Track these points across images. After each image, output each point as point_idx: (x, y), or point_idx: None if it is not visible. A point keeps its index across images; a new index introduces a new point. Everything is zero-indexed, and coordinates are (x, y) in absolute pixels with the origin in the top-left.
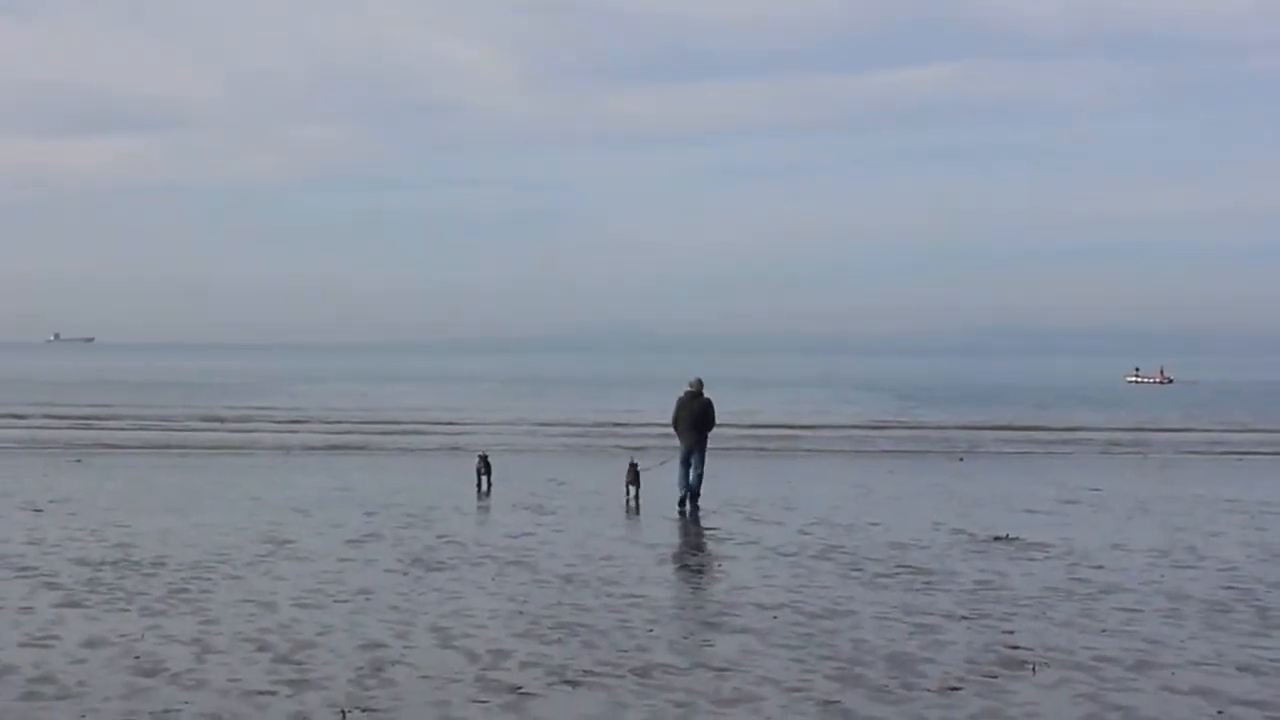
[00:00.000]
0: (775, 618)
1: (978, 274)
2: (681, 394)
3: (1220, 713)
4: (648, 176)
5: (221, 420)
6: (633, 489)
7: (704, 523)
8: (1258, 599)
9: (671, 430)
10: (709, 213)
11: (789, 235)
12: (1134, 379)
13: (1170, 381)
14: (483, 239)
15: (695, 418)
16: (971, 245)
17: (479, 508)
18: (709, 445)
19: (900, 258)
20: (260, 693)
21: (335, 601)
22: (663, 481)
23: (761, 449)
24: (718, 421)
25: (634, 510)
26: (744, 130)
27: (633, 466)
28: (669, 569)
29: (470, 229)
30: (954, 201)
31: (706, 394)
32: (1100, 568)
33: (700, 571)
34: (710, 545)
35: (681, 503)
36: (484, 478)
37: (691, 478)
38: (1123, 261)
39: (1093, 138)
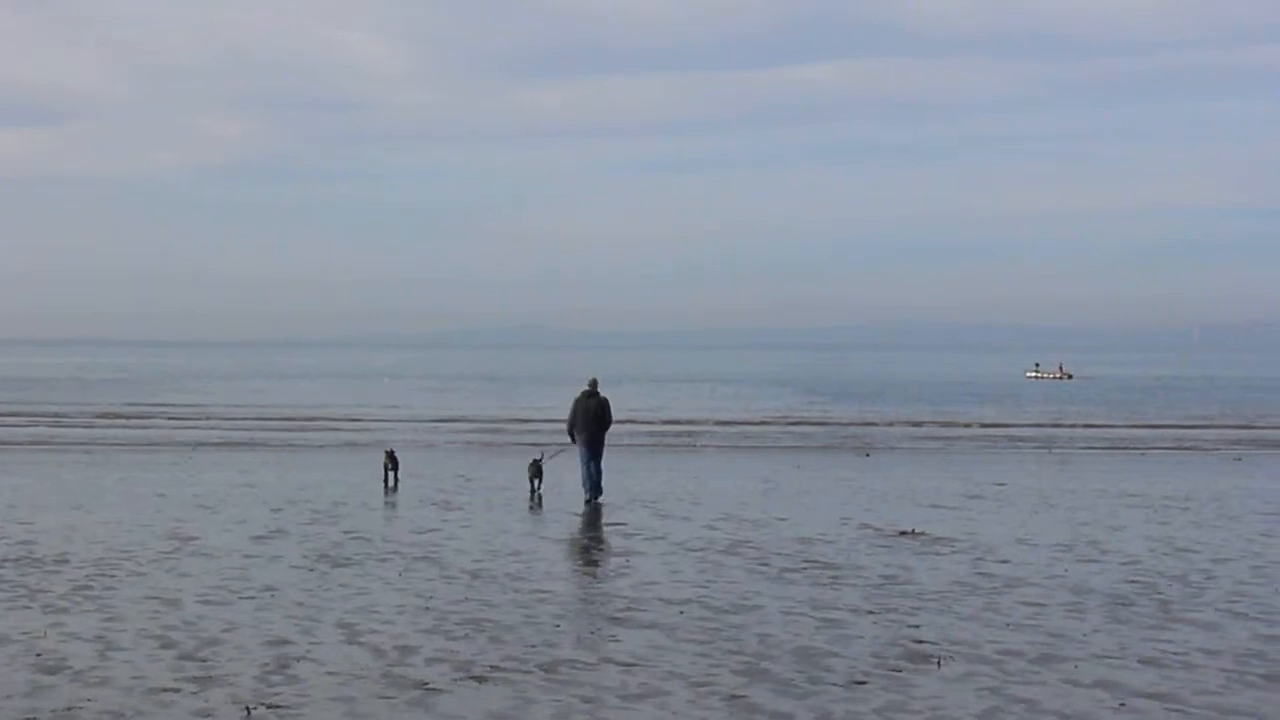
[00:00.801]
0: (682, 613)
1: (883, 269)
2: (578, 394)
3: (1122, 705)
4: (551, 170)
5: (124, 417)
6: (535, 482)
7: (611, 518)
8: (1160, 592)
9: (568, 429)
10: (613, 207)
11: (692, 230)
12: (1034, 375)
13: (1069, 377)
14: (384, 233)
15: (593, 416)
16: (875, 241)
17: (386, 504)
18: (606, 443)
19: (805, 252)
20: (164, 690)
21: (240, 598)
22: (567, 476)
23: (669, 444)
24: (614, 419)
25: (537, 504)
26: (647, 125)
27: (535, 461)
28: (576, 564)
29: (371, 222)
30: (857, 196)
31: (603, 393)
32: (1005, 562)
33: (608, 567)
34: (618, 540)
35: (588, 503)
36: (391, 474)
37: (592, 472)
38: (1023, 258)
39: (994, 135)
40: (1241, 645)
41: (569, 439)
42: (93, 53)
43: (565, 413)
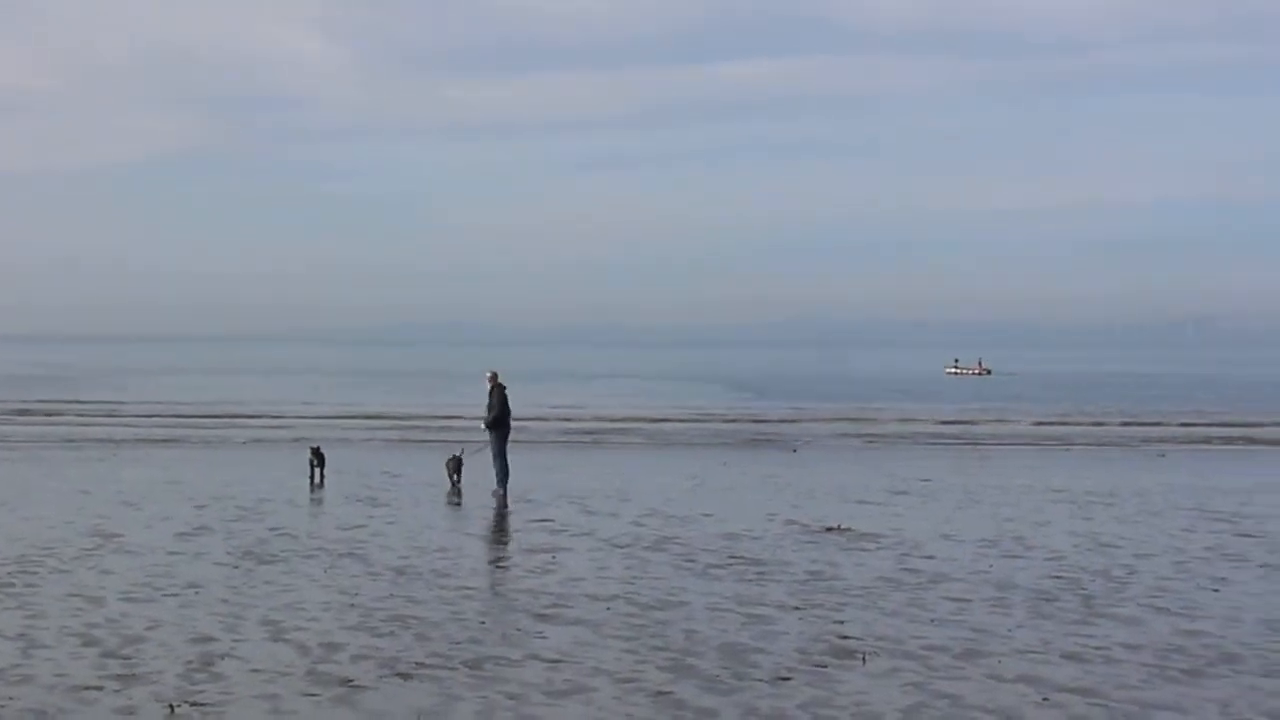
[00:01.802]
0: (608, 609)
1: (813, 266)
2: (495, 390)
3: (1045, 700)
4: (479, 167)
5: (46, 414)
6: (455, 477)
7: (538, 514)
8: (1083, 588)
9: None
10: (548, 204)
11: (628, 227)
12: (954, 370)
13: (989, 373)
14: (314, 229)
15: (504, 409)
16: (809, 237)
17: (311, 500)
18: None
19: (734, 249)
20: (87, 688)
21: (164, 595)
22: (487, 473)
23: (596, 441)
24: (520, 415)
25: (456, 497)
26: (584, 121)
27: (455, 457)
28: (502, 561)
29: (301, 218)
30: (793, 194)
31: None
32: (930, 558)
33: (534, 563)
34: (544, 537)
35: (505, 494)
36: (317, 470)
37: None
38: (953, 255)
39: (930, 132)
40: (1163, 640)
41: (485, 428)
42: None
43: (485, 409)
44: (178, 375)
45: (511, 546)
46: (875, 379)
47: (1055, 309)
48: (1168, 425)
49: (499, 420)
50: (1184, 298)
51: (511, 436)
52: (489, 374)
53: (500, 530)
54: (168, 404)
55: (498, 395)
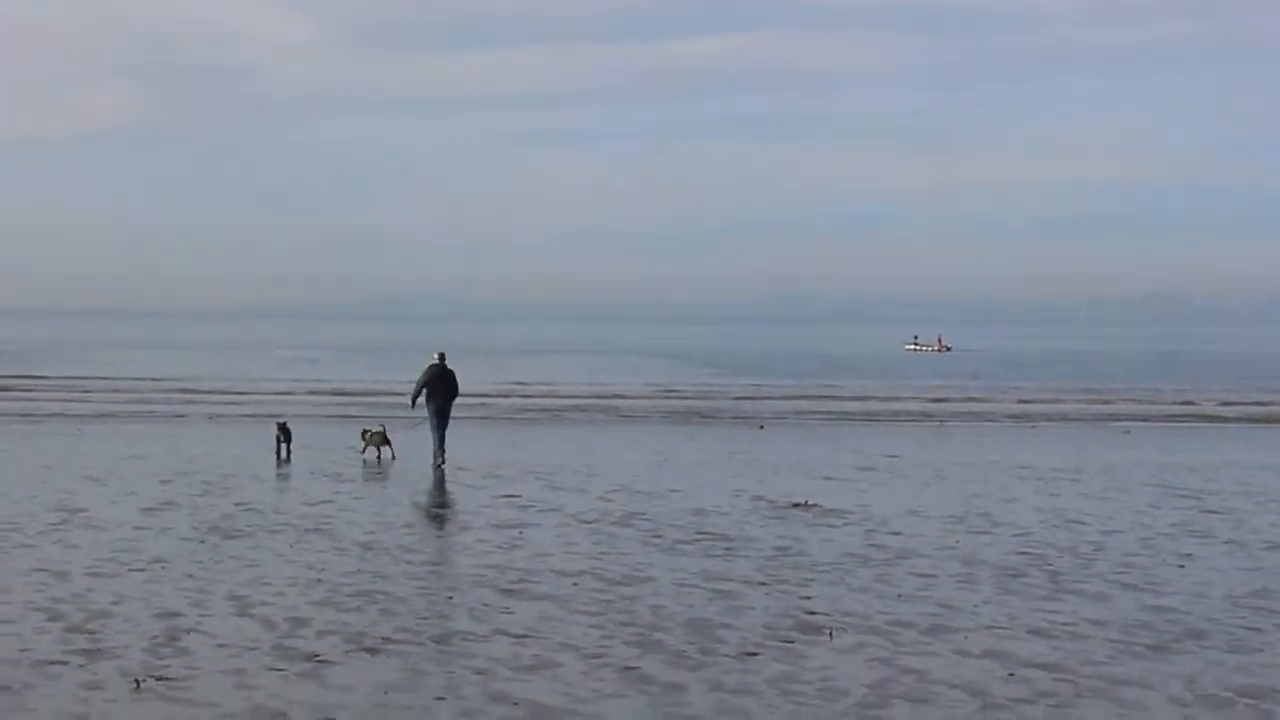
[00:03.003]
0: (575, 584)
1: (772, 243)
2: (429, 364)
3: (1011, 675)
4: (440, 141)
5: (6, 390)
6: (385, 449)
7: (505, 490)
8: (1049, 564)
9: (414, 397)
10: (504, 180)
11: (585, 203)
12: (913, 347)
13: (948, 350)
14: (274, 202)
15: (445, 386)
16: (767, 214)
17: (278, 475)
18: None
19: (693, 226)
20: (51, 662)
21: (130, 570)
22: (459, 450)
23: (562, 416)
24: (465, 388)
25: (373, 465)
26: (538, 97)
27: (380, 432)
28: (469, 536)
29: (261, 191)
30: (749, 171)
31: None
32: (897, 534)
33: (501, 539)
34: (511, 512)
35: (438, 464)
36: (284, 445)
37: (441, 440)
38: (914, 232)
39: (890, 109)
40: (1129, 616)
41: (411, 404)
42: None
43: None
44: (137, 350)
45: (479, 522)
46: (834, 356)
47: (1018, 286)
48: (1132, 402)
49: (422, 396)
50: (1151, 275)
51: (457, 411)
52: (435, 354)
53: (467, 506)
54: (129, 379)
55: (432, 374)
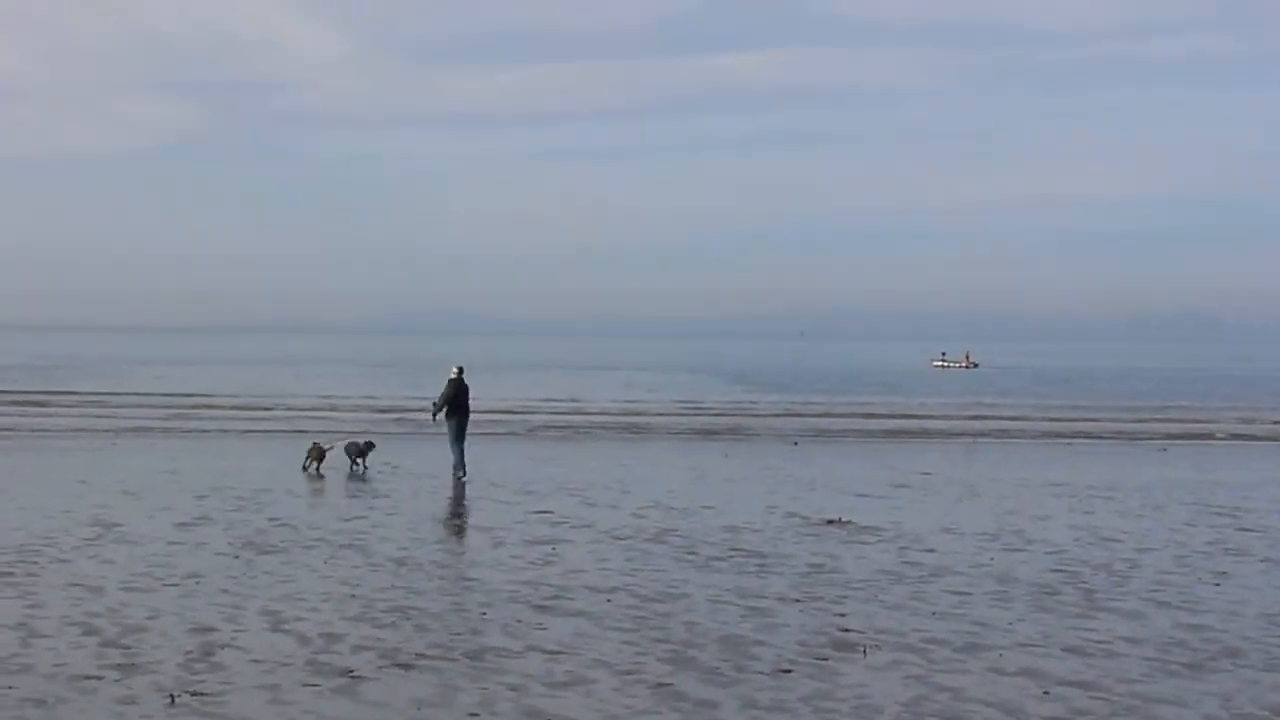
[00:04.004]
0: (609, 601)
1: (806, 258)
2: (451, 378)
3: (1046, 693)
4: (475, 157)
5: (42, 405)
6: (360, 460)
7: (538, 506)
8: (1084, 581)
9: (436, 409)
10: (536, 195)
11: (618, 218)
12: (940, 364)
13: (976, 366)
14: (306, 217)
15: (465, 399)
16: (800, 230)
17: (311, 490)
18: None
19: (728, 241)
20: (87, 677)
21: (164, 585)
22: (488, 464)
23: (596, 432)
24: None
25: (360, 477)
26: (568, 113)
27: (361, 444)
28: (503, 552)
29: (293, 206)
30: (782, 185)
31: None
32: (931, 551)
33: (534, 555)
34: (544, 529)
35: (460, 475)
36: (316, 463)
37: (456, 451)
38: (943, 247)
39: (912, 124)
40: (1164, 634)
41: (433, 419)
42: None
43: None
44: (173, 366)
45: (512, 538)
46: (862, 372)
47: (1050, 302)
48: (1168, 420)
49: (444, 409)
50: (1180, 293)
51: (487, 427)
52: (455, 367)
53: (500, 522)
54: (164, 394)
55: (455, 387)
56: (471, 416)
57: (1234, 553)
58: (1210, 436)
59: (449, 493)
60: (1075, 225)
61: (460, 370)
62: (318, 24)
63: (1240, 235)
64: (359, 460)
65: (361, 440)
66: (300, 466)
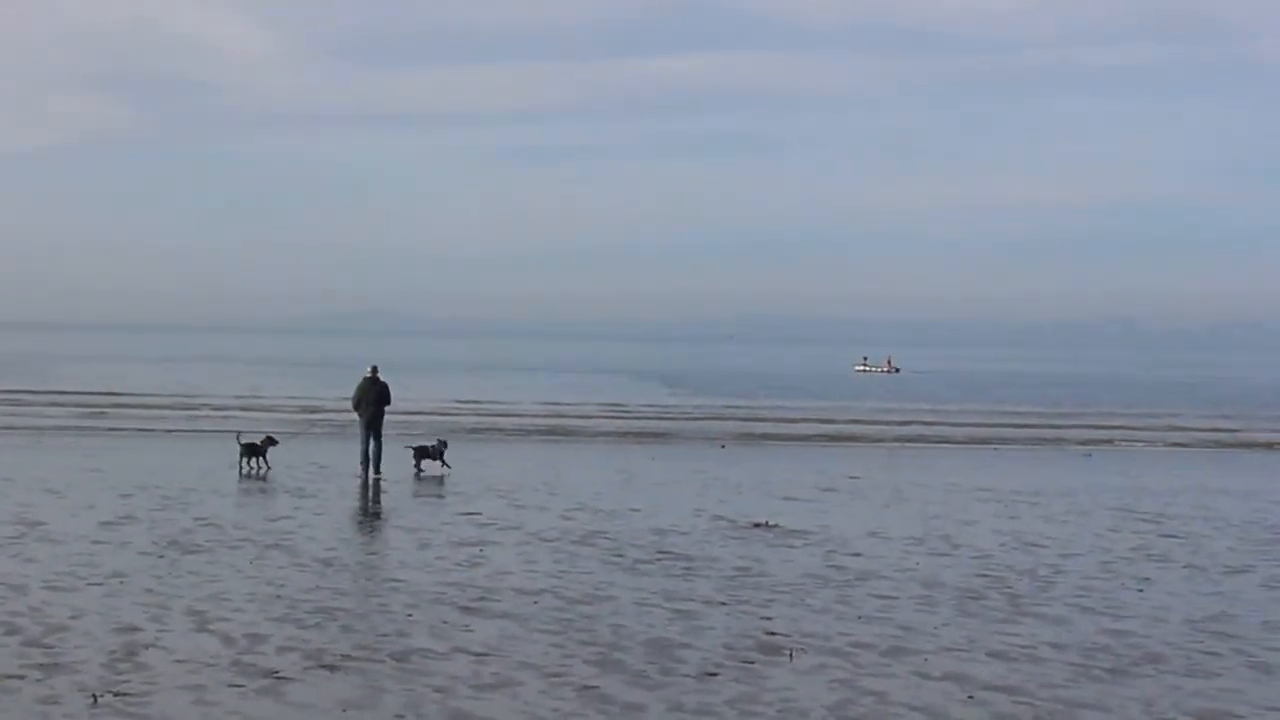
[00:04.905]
0: (536, 603)
1: (739, 262)
2: (362, 378)
3: (971, 698)
4: (401, 157)
5: None
6: (256, 460)
7: (466, 507)
8: (1009, 586)
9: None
10: (472, 196)
11: (550, 221)
12: (862, 368)
13: (897, 371)
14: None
15: (376, 398)
16: (735, 233)
17: (239, 490)
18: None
19: (656, 244)
20: (8, 677)
21: (88, 584)
22: (422, 465)
23: (523, 434)
24: (394, 403)
25: (246, 477)
26: (499, 114)
27: (254, 443)
28: (429, 553)
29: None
30: (716, 190)
31: (383, 377)
32: (857, 555)
33: (462, 556)
34: (472, 530)
35: (362, 472)
36: (244, 461)
37: (372, 450)
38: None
39: (856, 130)
40: (1088, 639)
41: (355, 413)
42: None
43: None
44: (97, 364)
45: (439, 539)
46: (786, 376)
47: (975, 308)
48: (1093, 426)
49: (356, 406)
50: (1107, 298)
51: (403, 429)
52: (369, 367)
53: (428, 523)
54: (88, 393)
55: (363, 385)
56: (387, 418)
57: (1157, 559)
58: (1135, 442)
59: (375, 493)
60: (1006, 232)
61: (374, 370)
62: (248, 21)
63: (1163, 241)
64: (260, 459)
65: (259, 440)
66: (234, 465)
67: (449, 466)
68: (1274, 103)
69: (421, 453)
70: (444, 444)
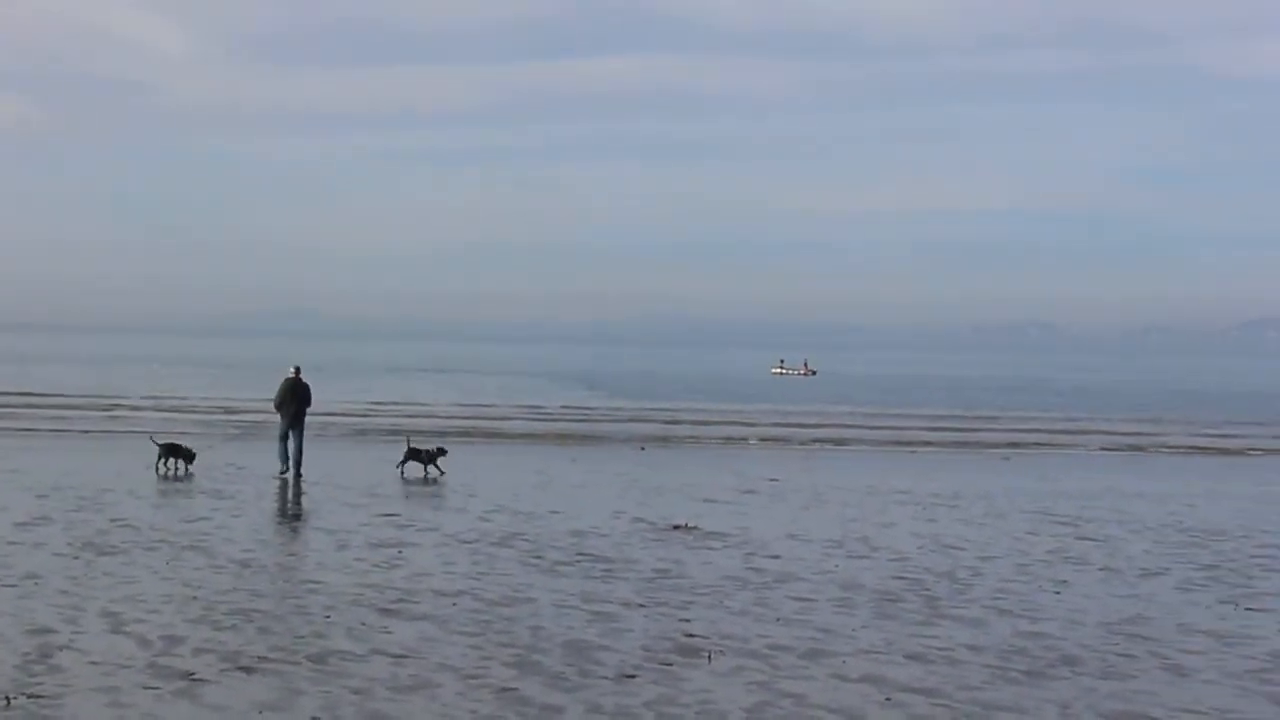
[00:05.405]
0: (454, 605)
1: (656, 264)
2: (285, 378)
3: (888, 700)
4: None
5: None
6: (175, 461)
7: (385, 509)
8: (927, 589)
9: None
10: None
11: (467, 221)
12: (779, 371)
13: (814, 374)
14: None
15: (298, 398)
16: (647, 236)
17: (157, 491)
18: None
19: (579, 246)
20: None
21: (2, 586)
22: (334, 467)
23: (442, 436)
24: (324, 405)
25: (176, 478)
26: (418, 115)
27: (175, 446)
28: (348, 555)
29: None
30: (629, 193)
31: (305, 379)
32: (776, 557)
33: (380, 558)
34: (391, 532)
35: (283, 472)
36: (162, 461)
37: (293, 450)
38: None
39: (774, 134)
40: (1005, 641)
41: (277, 412)
42: None
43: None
44: (7, 363)
45: (357, 540)
46: (706, 378)
47: (894, 311)
48: (1010, 430)
49: (279, 406)
50: (1026, 303)
51: (321, 429)
52: (292, 367)
53: (347, 525)
54: (1, 392)
55: (286, 385)
56: (307, 419)
57: (1074, 561)
58: (1051, 445)
59: (294, 494)
60: (926, 236)
61: (297, 370)
62: (159, 20)
63: (1083, 247)
64: (177, 460)
65: (163, 442)
66: (152, 467)
67: (442, 472)
68: (1193, 110)
69: (413, 455)
70: (442, 450)
